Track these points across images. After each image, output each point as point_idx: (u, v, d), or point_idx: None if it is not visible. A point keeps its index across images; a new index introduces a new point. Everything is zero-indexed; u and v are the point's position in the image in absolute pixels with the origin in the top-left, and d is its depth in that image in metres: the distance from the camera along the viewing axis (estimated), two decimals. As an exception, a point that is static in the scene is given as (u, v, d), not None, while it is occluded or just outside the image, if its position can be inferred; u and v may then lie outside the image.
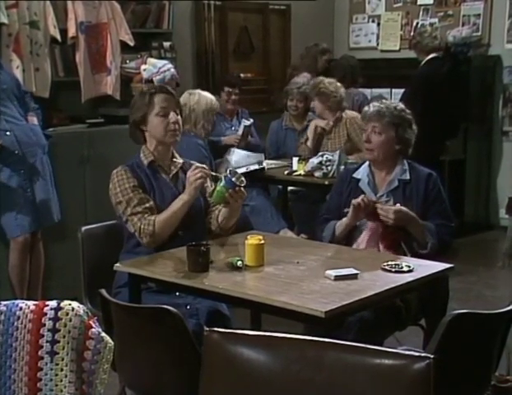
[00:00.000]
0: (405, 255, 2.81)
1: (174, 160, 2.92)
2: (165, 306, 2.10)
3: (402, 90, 5.46)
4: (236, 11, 6.04)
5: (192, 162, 2.99)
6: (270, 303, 2.24)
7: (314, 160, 4.49)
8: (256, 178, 4.73)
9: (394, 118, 3.02)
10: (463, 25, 6.14)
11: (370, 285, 2.38)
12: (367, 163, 3.12)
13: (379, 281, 2.42)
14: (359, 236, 2.96)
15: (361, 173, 3.11)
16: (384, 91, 6.15)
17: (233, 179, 2.61)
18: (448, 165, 5.74)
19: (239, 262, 2.50)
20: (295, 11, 6.45)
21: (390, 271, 2.51)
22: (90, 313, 1.61)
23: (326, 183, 4.17)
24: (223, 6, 5.91)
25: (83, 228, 2.99)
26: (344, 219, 2.96)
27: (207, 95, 4.24)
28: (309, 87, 4.89)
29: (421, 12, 6.37)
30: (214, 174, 2.83)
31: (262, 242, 2.55)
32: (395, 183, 3.03)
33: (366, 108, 3.13)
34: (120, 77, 4.73)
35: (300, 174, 4.54)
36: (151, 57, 5.02)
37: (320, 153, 4.55)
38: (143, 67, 4.82)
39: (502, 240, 5.07)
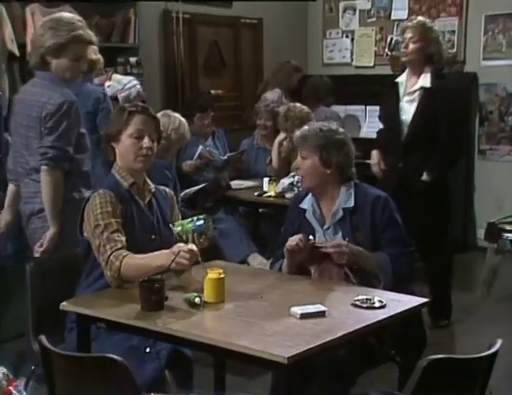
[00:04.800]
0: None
1: (148, 186, 2.72)
2: (110, 355, 1.88)
3: (377, 107, 5.36)
4: (206, 24, 5.86)
5: (162, 188, 2.80)
6: (228, 347, 2.04)
7: (285, 181, 4.34)
8: (224, 200, 4.56)
9: (318, 140, 2.76)
10: (437, 41, 6.02)
11: (339, 323, 2.19)
12: None
13: (349, 318, 2.24)
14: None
15: (307, 202, 2.84)
16: (359, 108, 6.02)
17: (203, 225, 2.47)
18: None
19: (197, 299, 2.30)
20: (268, 25, 6.30)
21: (361, 308, 2.33)
22: (11, 376, 1.39)
23: (297, 205, 3.99)
24: (192, 20, 5.73)
25: (32, 260, 2.77)
26: (285, 260, 2.72)
27: (184, 121, 4.06)
28: (282, 119, 4.74)
29: (395, 28, 6.25)
30: (200, 260, 2.45)
31: (222, 276, 2.35)
32: (340, 213, 2.75)
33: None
34: (83, 94, 4.52)
35: (270, 196, 4.38)
36: (117, 73, 4.84)
37: (291, 173, 4.40)
38: (107, 83, 4.62)
39: (479, 262, 4.93)
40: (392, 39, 6.21)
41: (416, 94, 4.00)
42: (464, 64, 5.97)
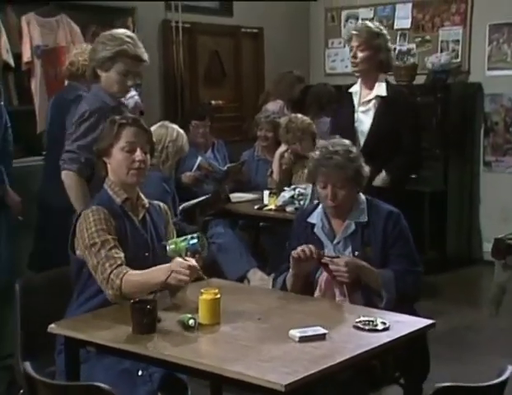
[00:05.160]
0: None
1: (142, 201, 2.62)
2: (97, 384, 1.78)
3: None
4: (206, 34, 5.77)
5: (156, 203, 2.70)
6: (223, 373, 1.93)
7: (286, 194, 4.23)
8: (223, 213, 4.46)
9: (352, 165, 2.66)
10: (441, 51, 5.94)
11: (340, 348, 2.08)
12: (321, 205, 2.76)
13: (350, 342, 2.13)
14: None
15: (316, 217, 2.74)
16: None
17: (197, 244, 2.37)
18: (428, 197, 5.51)
19: (191, 321, 2.19)
20: (269, 34, 6.21)
21: (363, 330, 2.21)
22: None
23: (298, 219, 3.88)
24: (192, 29, 5.64)
25: (22, 278, 2.66)
26: (291, 270, 2.62)
27: (182, 132, 3.97)
28: (283, 130, 4.62)
29: (398, 37, 6.16)
30: (203, 275, 2.37)
31: (218, 296, 2.24)
32: (352, 227, 2.67)
33: (314, 155, 2.70)
34: (79, 105, 4.44)
35: (270, 209, 4.27)
36: (114, 83, 4.74)
37: (292, 186, 4.29)
38: (105, 93, 4.53)
39: (486, 276, 4.82)
40: (395, 48, 6.11)
41: (372, 103, 3.79)
42: (469, 74, 5.88)
